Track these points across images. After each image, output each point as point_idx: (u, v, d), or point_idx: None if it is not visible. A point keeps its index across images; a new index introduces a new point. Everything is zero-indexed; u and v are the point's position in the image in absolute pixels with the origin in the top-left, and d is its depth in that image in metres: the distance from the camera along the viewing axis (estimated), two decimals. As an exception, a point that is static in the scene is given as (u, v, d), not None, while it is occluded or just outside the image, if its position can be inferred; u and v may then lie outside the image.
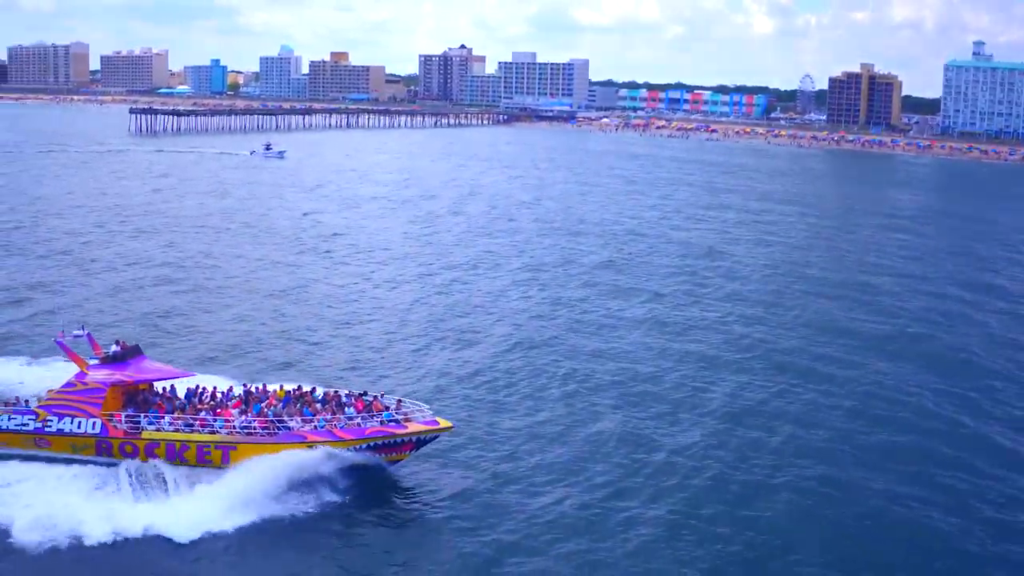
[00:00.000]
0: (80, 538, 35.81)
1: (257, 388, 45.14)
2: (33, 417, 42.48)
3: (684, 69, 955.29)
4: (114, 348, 44.63)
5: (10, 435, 42.46)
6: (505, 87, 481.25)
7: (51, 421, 42.31)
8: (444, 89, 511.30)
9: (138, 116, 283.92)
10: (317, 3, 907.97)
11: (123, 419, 42.20)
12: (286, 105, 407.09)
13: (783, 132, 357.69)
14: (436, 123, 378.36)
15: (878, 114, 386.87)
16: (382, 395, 44.14)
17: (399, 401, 43.07)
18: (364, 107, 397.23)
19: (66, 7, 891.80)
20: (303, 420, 41.81)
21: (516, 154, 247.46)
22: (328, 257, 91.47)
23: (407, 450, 42.16)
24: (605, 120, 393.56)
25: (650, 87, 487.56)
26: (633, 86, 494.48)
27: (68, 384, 43.14)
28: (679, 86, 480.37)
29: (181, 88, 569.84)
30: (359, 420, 41.84)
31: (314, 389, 45.09)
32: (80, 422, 42.12)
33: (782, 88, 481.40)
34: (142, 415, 42.34)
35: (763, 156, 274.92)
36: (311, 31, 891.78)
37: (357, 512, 39.26)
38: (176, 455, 41.23)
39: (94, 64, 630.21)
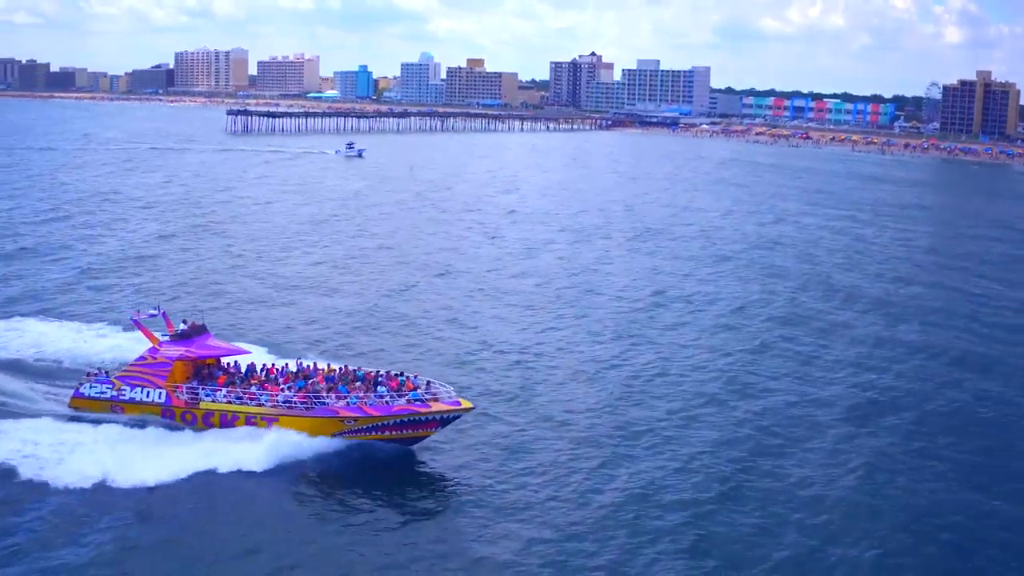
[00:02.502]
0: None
1: (308, 366, 49.17)
2: (110, 386, 48.03)
3: (857, 79, 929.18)
4: (182, 326, 49.63)
5: (91, 401, 48.05)
6: (628, 94, 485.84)
7: (124, 390, 47.82)
8: (573, 95, 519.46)
9: (235, 117, 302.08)
10: (501, 10, 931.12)
11: (184, 390, 47.20)
12: (406, 107, 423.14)
13: (876, 140, 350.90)
14: (531, 127, 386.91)
15: (993, 123, 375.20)
16: (416, 376, 47.52)
17: (428, 382, 46.50)
18: (457, 111, 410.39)
19: (257, 14, 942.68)
20: (337, 396, 45.49)
21: (592, 157, 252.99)
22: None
23: (432, 427, 45.53)
24: (704, 126, 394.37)
25: (776, 95, 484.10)
26: (759, 94, 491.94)
27: (140, 358, 48.77)
28: (805, 95, 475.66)
29: (330, 93, 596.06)
30: (388, 398, 45.23)
31: (358, 369, 48.88)
32: (148, 392, 47.52)
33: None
34: (200, 387, 47.25)
35: (822, 161, 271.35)
36: (495, 38, 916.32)
37: (378, 489, 42.75)
38: (228, 423, 45.85)
39: (252, 69, 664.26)
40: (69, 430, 45.56)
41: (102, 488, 40.76)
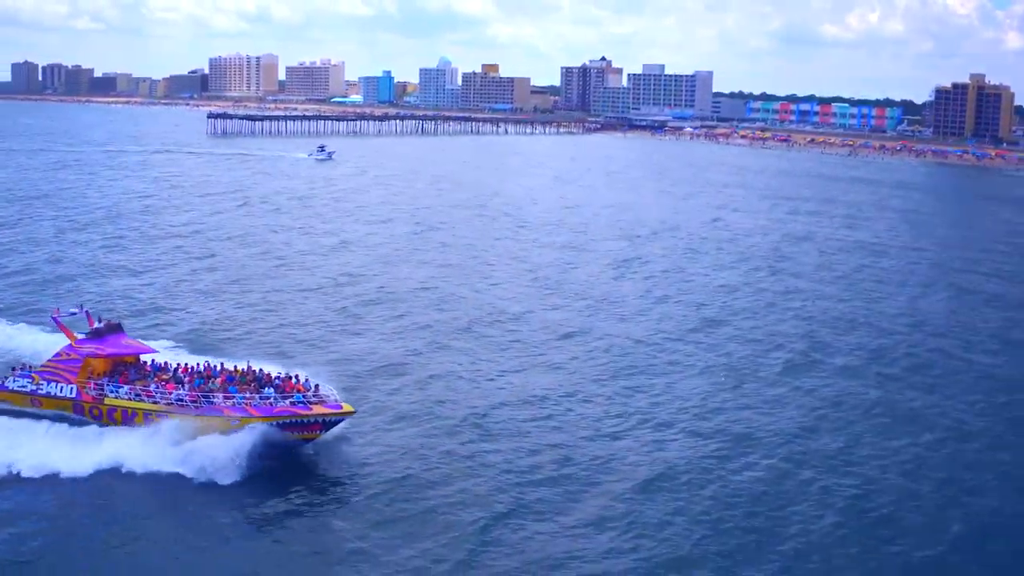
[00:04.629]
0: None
1: (215, 366, 50.72)
2: (30, 380, 50.19)
3: (916, 84, 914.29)
4: (96, 325, 51.45)
5: (13, 394, 50.24)
6: (633, 98, 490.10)
7: (42, 384, 49.82)
8: (582, 100, 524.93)
9: (214, 120, 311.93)
10: (561, 17, 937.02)
11: (92, 386, 48.94)
12: (412, 112, 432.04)
13: (852, 142, 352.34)
14: (520, 131, 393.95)
15: (985, 126, 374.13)
16: (306, 379, 48.43)
17: (316, 385, 47.44)
18: (441, 114, 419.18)
19: (315, 19, 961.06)
20: (226, 396, 46.72)
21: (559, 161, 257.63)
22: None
23: (317, 430, 46.34)
24: (688, 129, 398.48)
25: (782, 99, 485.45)
26: (766, 98, 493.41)
27: (57, 354, 50.80)
28: (810, 98, 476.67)
29: (353, 97, 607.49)
30: (272, 400, 46.35)
31: (260, 370, 49.72)
32: (62, 387, 49.42)
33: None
34: (106, 383, 48.87)
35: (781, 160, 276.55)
36: (553, 44, 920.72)
37: (269, 482, 43.95)
38: (128, 419, 47.35)
39: (282, 75, 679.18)
40: None
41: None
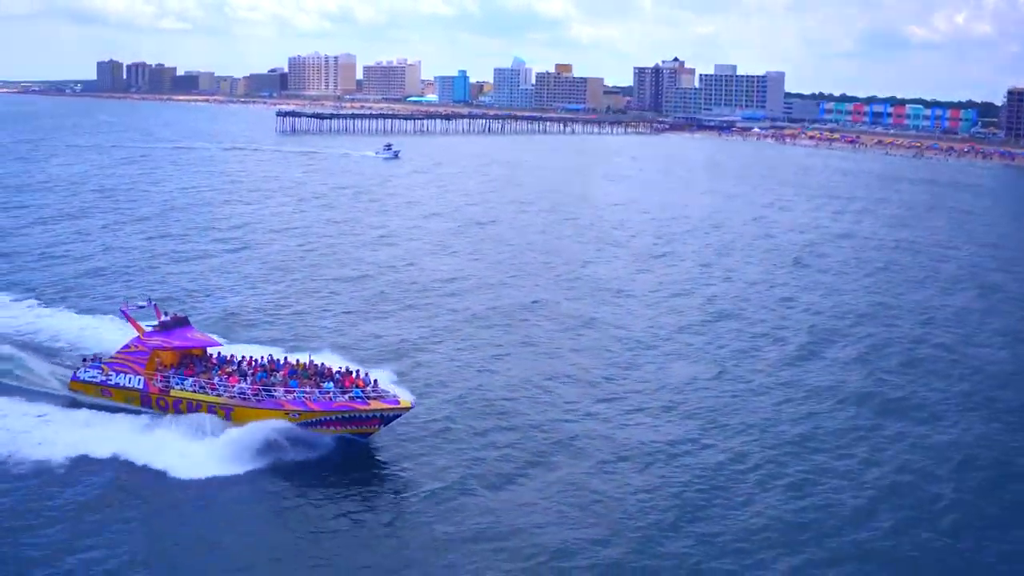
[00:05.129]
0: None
1: (277, 360, 51.63)
2: (100, 371, 51.78)
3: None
4: (163, 318, 53.09)
5: (86, 385, 51.93)
6: (705, 99, 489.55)
7: (112, 376, 51.35)
8: (655, 100, 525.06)
9: (283, 118, 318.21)
10: (643, 17, 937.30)
11: (159, 378, 50.14)
12: (466, 111, 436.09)
13: (919, 144, 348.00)
14: (577, 131, 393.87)
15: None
16: (366, 374, 49.17)
17: (375, 381, 48.34)
18: (512, 113, 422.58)
19: (399, 20, 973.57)
20: (286, 390, 47.64)
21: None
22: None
23: (375, 424, 47.27)
24: (756, 129, 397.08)
25: (856, 100, 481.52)
26: (843, 99, 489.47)
27: (126, 346, 52.25)
28: (887, 100, 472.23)
29: (429, 97, 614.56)
30: (331, 394, 47.23)
31: (322, 364, 50.40)
32: (130, 378, 50.86)
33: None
34: (172, 375, 50.14)
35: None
36: (635, 44, 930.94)
37: (332, 475, 45.21)
38: (193, 410, 48.35)
39: (360, 74, 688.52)
40: (48, 410, 49.74)
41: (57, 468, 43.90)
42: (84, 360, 53.96)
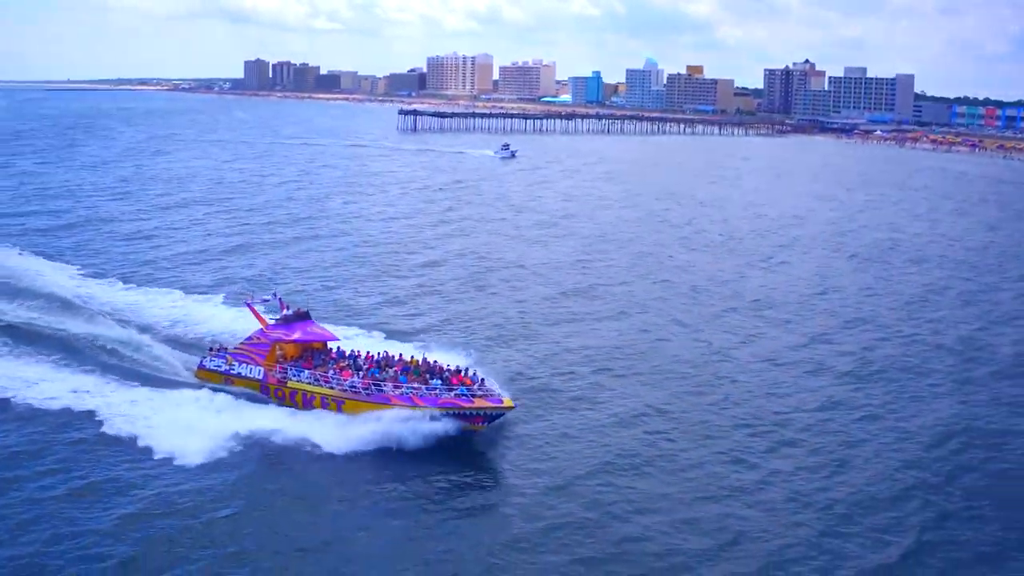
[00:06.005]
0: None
1: (392, 356, 53.71)
2: (224, 360, 54.34)
3: None
4: (285, 312, 55.44)
5: (211, 373, 54.38)
6: (834, 101, 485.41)
7: (234, 365, 53.83)
8: (784, 102, 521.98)
9: (405, 116, 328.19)
10: (788, 17, 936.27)
11: (278, 369, 52.46)
12: (589, 113, 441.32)
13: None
14: (698, 131, 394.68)
15: None
16: (474, 373, 50.84)
17: (483, 380, 49.94)
18: (640, 114, 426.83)
19: (546, 21, 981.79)
20: (395, 386, 49.44)
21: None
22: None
23: (479, 422, 48.55)
24: (878, 132, 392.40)
25: (989, 104, 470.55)
26: (973, 103, 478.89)
27: (249, 337, 54.73)
28: (1018, 104, 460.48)
29: (563, 97, 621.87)
30: (437, 391, 48.91)
31: (434, 362, 52.55)
32: (251, 368, 53.25)
33: None
34: (290, 368, 52.38)
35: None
36: (781, 46, 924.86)
37: (436, 467, 45.80)
38: (308, 402, 50.95)
39: (496, 74, 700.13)
40: (176, 396, 51.99)
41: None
42: (210, 350, 56.87)
